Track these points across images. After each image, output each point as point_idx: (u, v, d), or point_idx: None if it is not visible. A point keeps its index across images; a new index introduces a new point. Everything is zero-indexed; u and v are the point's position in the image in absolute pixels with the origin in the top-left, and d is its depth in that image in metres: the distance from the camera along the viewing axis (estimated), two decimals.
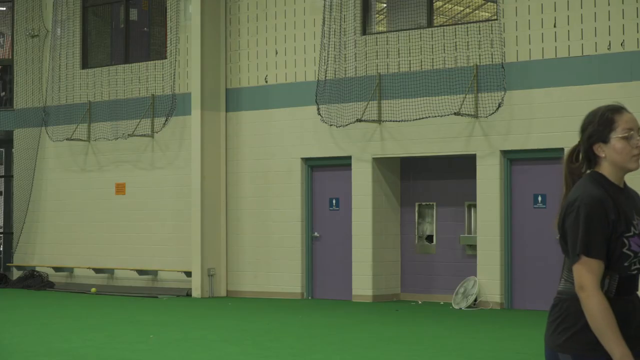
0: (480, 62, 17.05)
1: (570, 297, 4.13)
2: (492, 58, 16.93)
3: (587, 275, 4.04)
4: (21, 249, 22.99)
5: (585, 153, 4.26)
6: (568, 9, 16.28)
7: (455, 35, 17.37)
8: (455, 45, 17.36)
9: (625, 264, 4.11)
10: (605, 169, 4.21)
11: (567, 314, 4.13)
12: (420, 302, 18.19)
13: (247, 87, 19.90)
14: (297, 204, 19.19)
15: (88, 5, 22.41)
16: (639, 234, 4.15)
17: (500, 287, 16.95)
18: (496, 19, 17.02)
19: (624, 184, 4.27)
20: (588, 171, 4.25)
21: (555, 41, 16.41)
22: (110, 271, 21.48)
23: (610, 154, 4.18)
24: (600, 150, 4.20)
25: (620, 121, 4.19)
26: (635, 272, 4.15)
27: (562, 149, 16.27)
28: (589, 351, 4.06)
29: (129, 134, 21.13)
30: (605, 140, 4.19)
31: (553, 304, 4.22)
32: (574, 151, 4.32)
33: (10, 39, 23.71)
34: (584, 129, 4.26)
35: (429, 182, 18.60)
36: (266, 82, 19.66)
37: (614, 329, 3.99)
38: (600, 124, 4.20)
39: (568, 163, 4.32)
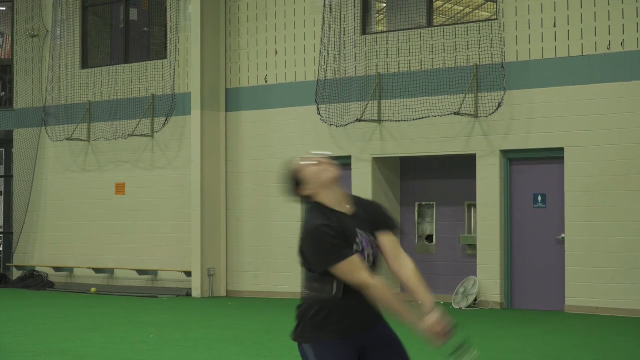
0: (480, 62, 17.05)
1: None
2: (492, 58, 16.93)
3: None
4: (21, 249, 22.98)
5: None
6: (568, 9, 16.27)
7: (455, 35, 17.37)
8: (455, 45, 17.35)
9: None
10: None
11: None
12: (420, 302, 18.15)
13: (247, 87, 19.90)
14: (296, 203, 19.16)
15: (88, 5, 22.41)
16: (362, 250, 4.77)
17: (500, 287, 16.95)
18: (496, 19, 17.01)
19: (357, 201, 4.79)
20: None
21: (555, 41, 16.41)
22: (110, 271, 21.48)
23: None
24: None
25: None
26: None
27: (562, 149, 16.28)
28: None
29: (128, 134, 21.13)
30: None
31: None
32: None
33: (10, 39, 23.70)
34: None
35: (429, 182, 18.59)
36: (266, 82, 19.65)
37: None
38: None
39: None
